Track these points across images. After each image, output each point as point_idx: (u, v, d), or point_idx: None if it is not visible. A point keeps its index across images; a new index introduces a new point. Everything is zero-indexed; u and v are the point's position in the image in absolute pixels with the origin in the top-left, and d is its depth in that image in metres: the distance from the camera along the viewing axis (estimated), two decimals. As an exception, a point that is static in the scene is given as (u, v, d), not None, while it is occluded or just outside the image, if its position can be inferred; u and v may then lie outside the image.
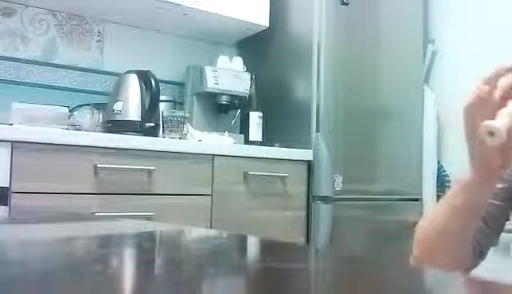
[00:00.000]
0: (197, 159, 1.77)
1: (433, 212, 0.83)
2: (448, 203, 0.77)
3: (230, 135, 2.04)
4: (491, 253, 0.86)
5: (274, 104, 2.25)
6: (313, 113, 2.07)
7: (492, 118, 0.62)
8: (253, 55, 2.40)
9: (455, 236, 0.76)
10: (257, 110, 2.21)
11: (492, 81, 0.66)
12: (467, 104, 0.67)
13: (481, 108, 0.66)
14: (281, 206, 1.96)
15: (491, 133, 0.60)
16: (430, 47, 2.59)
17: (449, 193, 0.78)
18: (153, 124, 1.88)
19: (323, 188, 2.02)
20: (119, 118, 1.86)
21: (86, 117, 1.86)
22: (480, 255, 0.84)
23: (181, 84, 2.35)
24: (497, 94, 0.64)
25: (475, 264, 0.84)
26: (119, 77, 1.97)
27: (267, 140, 2.17)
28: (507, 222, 0.86)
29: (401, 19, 2.38)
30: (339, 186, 2.04)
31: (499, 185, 0.80)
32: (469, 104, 0.67)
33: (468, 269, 0.82)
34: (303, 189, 2.03)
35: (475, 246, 0.82)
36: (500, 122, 0.61)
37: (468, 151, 0.71)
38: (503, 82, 0.65)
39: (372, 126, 2.23)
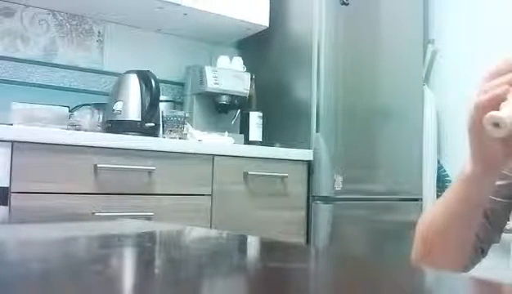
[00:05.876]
0: (197, 159, 1.77)
1: (432, 209, 0.83)
2: (448, 199, 0.76)
3: (230, 135, 2.03)
4: (491, 252, 0.86)
5: (274, 104, 2.25)
6: (313, 113, 2.07)
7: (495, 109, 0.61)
8: (253, 55, 2.40)
9: (455, 232, 0.76)
10: (257, 110, 2.21)
11: (497, 76, 0.65)
12: (478, 102, 0.65)
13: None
14: (281, 206, 1.96)
15: (496, 124, 0.59)
16: (430, 47, 2.59)
17: (449, 189, 0.77)
18: (153, 124, 1.88)
19: (323, 188, 2.02)
20: (119, 118, 1.86)
21: (86, 117, 1.86)
22: (481, 252, 0.84)
23: (181, 84, 2.35)
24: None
25: (476, 261, 0.84)
26: (119, 78, 1.97)
27: (267, 140, 2.17)
28: (508, 222, 0.85)
29: (401, 19, 2.38)
30: (339, 186, 2.04)
31: (500, 182, 0.79)
32: (480, 102, 0.65)
33: (468, 267, 0.82)
34: (303, 189, 2.03)
35: (476, 242, 0.81)
36: (504, 112, 0.60)
37: (469, 144, 0.70)
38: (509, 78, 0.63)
39: (372, 127, 2.23)
